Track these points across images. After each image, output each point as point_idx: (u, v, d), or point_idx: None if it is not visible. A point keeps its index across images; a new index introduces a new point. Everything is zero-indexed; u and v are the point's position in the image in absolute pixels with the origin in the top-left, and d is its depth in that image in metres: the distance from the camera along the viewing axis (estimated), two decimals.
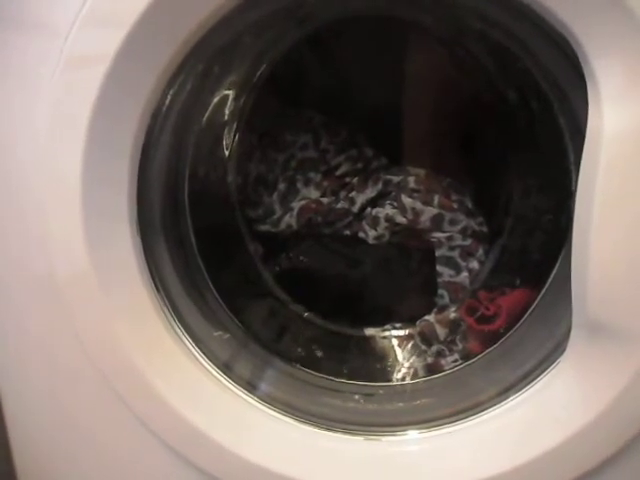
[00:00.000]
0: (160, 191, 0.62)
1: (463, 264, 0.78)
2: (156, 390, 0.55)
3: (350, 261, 0.82)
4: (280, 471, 0.55)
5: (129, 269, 0.56)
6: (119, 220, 0.54)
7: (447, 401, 0.61)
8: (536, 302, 0.66)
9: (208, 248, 0.70)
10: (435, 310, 0.78)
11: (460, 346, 0.73)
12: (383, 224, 0.79)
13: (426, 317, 0.77)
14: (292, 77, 0.81)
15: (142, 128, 0.53)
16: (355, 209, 0.80)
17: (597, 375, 0.50)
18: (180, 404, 0.56)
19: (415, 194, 0.79)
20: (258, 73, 0.76)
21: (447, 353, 0.72)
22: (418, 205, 0.78)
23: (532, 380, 0.56)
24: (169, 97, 0.57)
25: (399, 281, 0.82)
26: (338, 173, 0.82)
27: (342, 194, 0.81)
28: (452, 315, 0.76)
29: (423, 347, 0.75)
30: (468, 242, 0.79)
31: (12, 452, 0.66)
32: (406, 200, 0.78)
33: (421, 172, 0.81)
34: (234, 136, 0.78)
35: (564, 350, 0.53)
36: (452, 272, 0.78)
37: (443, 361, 0.71)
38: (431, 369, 0.71)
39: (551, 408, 0.53)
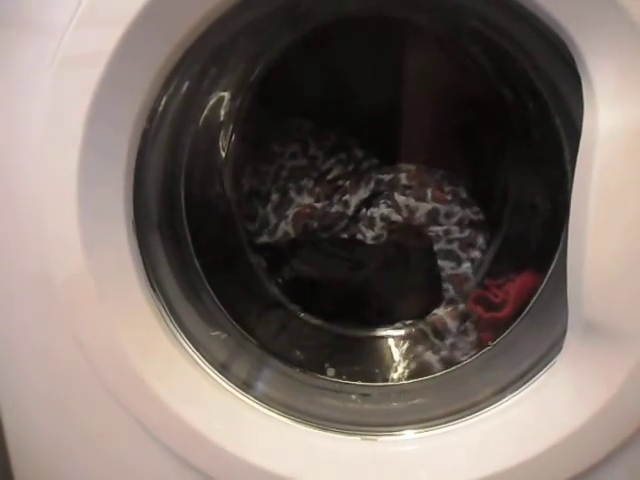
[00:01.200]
0: (156, 192, 0.62)
1: (464, 255, 0.78)
2: (153, 390, 0.55)
3: (352, 264, 0.82)
4: (276, 471, 0.55)
5: (126, 270, 0.56)
6: (115, 221, 0.54)
7: (443, 401, 0.62)
8: (532, 302, 0.66)
9: (205, 249, 0.70)
10: (444, 304, 0.77)
11: (473, 337, 0.72)
12: (379, 224, 0.79)
13: (435, 311, 0.77)
14: (288, 77, 0.80)
15: (138, 129, 0.53)
16: (350, 211, 0.80)
17: (593, 374, 0.50)
18: (177, 404, 0.56)
19: (408, 191, 0.79)
20: (254, 74, 0.75)
21: (461, 345, 0.72)
22: (412, 202, 0.78)
23: (528, 380, 0.56)
24: (165, 98, 0.57)
25: (396, 281, 0.82)
26: (329, 177, 0.82)
27: (335, 198, 0.81)
28: (461, 307, 0.76)
29: (435, 341, 0.74)
30: (466, 233, 0.79)
31: (9, 454, 0.66)
32: (399, 198, 0.78)
33: (412, 168, 0.81)
34: (230, 137, 0.78)
35: (560, 350, 0.53)
36: (453, 264, 0.78)
37: (458, 353, 0.71)
38: (447, 361, 0.70)
39: (547, 408, 0.53)
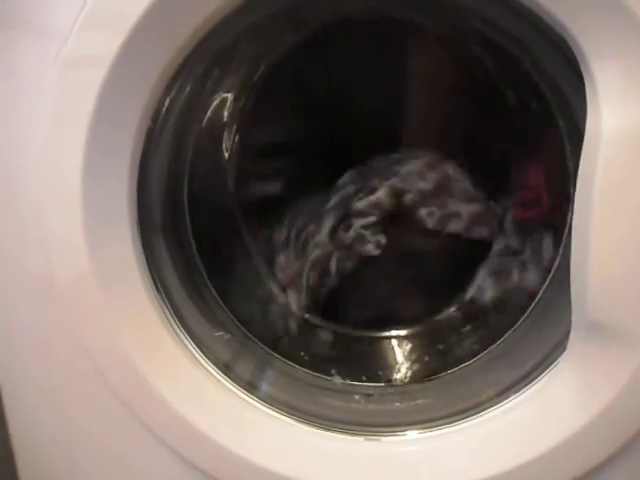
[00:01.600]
0: (160, 192, 0.63)
1: (456, 203, 0.77)
2: (157, 391, 0.55)
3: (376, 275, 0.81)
4: (280, 471, 0.55)
5: (129, 270, 0.56)
6: (119, 221, 0.55)
7: (447, 401, 0.62)
8: (535, 301, 0.66)
9: (208, 249, 0.70)
10: (496, 237, 0.76)
11: (537, 243, 0.70)
12: (368, 233, 0.79)
13: (496, 244, 0.76)
14: (289, 79, 0.80)
15: (142, 130, 0.53)
16: (329, 246, 0.80)
17: (597, 375, 0.50)
18: (181, 404, 0.56)
19: (360, 194, 0.79)
20: (256, 75, 0.76)
21: (535, 248, 0.70)
22: (370, 199, 0.78)
23: (532, 380, 0.56)
24: (168, 99, 0.57)
25: (399, 283, 0.81)
26: (290, 246, 0.81)
27: (308, 249, 0.81)
28: (509, 226, 0.75)
29: (518, 259, 0.73)
30: (434, 177, 0.77)
31: (15, 454, 0.66)
32: (358, 204, 0.78)
33: (352, 172, 0.80)
34: (234, 138, 0.78)
35: (564, 350, 0.53)
36: (458, 221, 0.77)
37: (540, 260, 0.69)
38: (544, 274, 0.68)
39: (551, 408, 0.53)
